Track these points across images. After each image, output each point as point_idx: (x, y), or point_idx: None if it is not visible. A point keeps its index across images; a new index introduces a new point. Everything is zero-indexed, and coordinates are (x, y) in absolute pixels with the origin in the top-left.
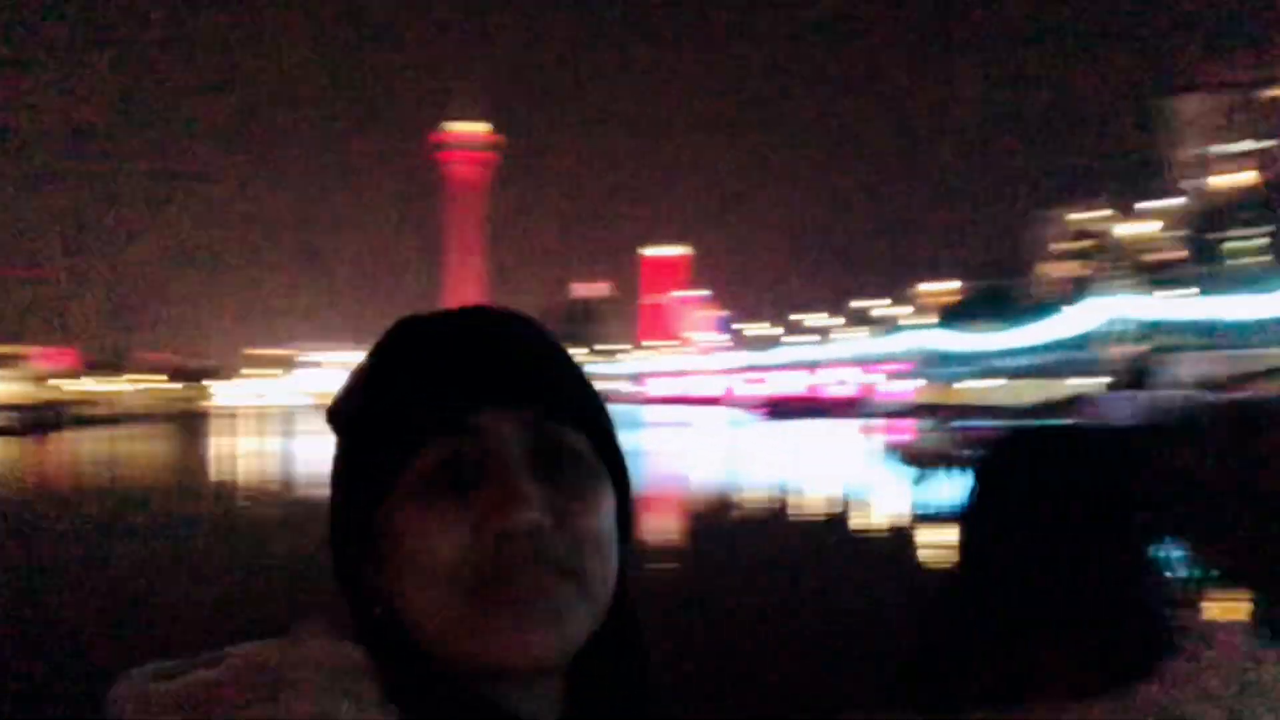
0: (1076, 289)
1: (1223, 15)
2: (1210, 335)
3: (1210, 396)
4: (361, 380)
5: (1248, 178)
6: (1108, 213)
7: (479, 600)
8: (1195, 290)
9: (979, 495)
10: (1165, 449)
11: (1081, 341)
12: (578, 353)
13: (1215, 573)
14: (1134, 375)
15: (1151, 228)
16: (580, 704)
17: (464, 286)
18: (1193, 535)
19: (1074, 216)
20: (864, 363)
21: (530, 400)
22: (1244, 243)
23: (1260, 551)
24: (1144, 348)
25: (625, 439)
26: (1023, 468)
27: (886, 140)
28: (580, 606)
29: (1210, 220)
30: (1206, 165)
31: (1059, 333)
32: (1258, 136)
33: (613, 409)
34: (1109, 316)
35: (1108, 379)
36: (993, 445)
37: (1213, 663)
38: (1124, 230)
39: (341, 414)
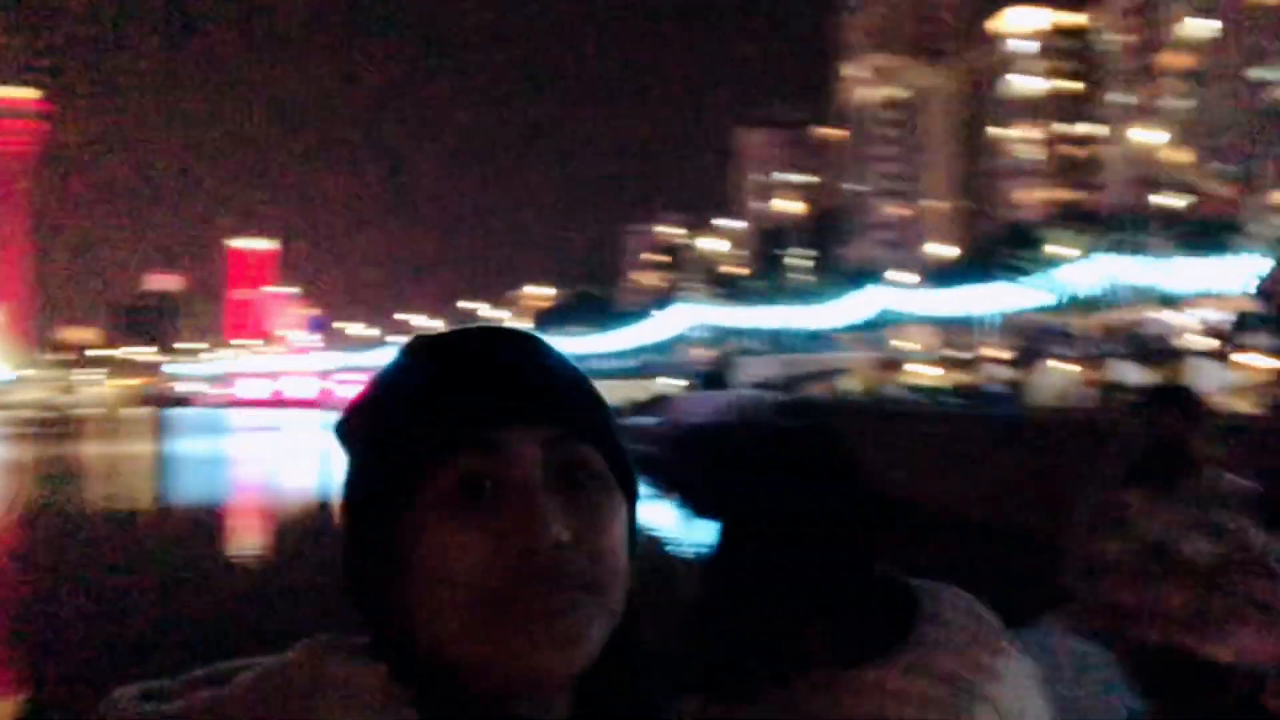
0: (661, 297)
1: (781, 62)
2: (773, 341)
3: (774, 396)
4: (378, 396)
5: (800, 206)
6: (683, 231)
7: (500, 617)
8: (761, 301)
9: (713, 493)
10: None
11: (666, 345)
12: (148, 351)
13: None
14: (711, 377)
15: (724, 244)
16: (587, 709)
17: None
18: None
19: (661, 230)
20: None
21: (551, 419)
22: (800, 261)
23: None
24: (719, 351)
25: (206, 446)
26: (751, 467)
27: (496, 149)
28: (597, 622)
29: (771, 240)
30: (768, 192)
31: (646, 337)
32: (806, 170)
33: (187, 415)
34: (690, 323)
35: (687, 380)
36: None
37: (950, 647)
38: (702, 245)
39: (356, 429)
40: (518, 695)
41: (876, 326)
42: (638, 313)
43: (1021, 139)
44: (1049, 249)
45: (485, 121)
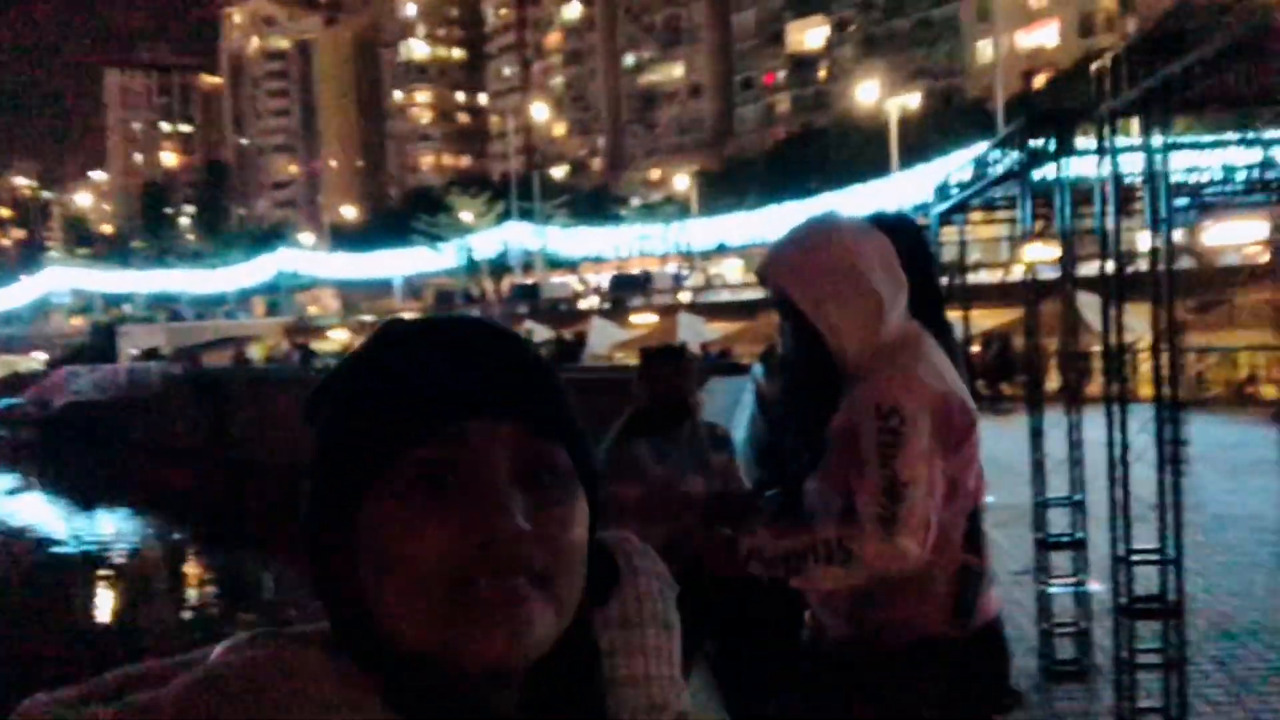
0: (24, 258)
1: None
2: (162, 307)
3: (172, 369)
4: (350, 378)
5: (183, 159)
6: (34, 184)
7: (456, 603)
8: (146, 264)
9: None
10: (151, 421)
11: (26, 314)
12: None
13: None
14: (91, 348)
15: (91, 199)
16: (538, 700)
17: None
18: None
19: (20, 181)
20: None
21: (517, 413)
22: (190, 219)
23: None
24: (95, 320)
25: None
26: None
27: None
28: (549, 614)
29: (154, 196)
30: (148, 143)
31: (6, 304)
32: (189, 121)
33: None
34: (57, 287)
35: (57, 352)
36: None
37: (636, 594)
38: (69, 199)
39: (325, 409)
40: (471, 682)
41: (279, 290)
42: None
43: (420, 104)
44: (453, 214)
45: None
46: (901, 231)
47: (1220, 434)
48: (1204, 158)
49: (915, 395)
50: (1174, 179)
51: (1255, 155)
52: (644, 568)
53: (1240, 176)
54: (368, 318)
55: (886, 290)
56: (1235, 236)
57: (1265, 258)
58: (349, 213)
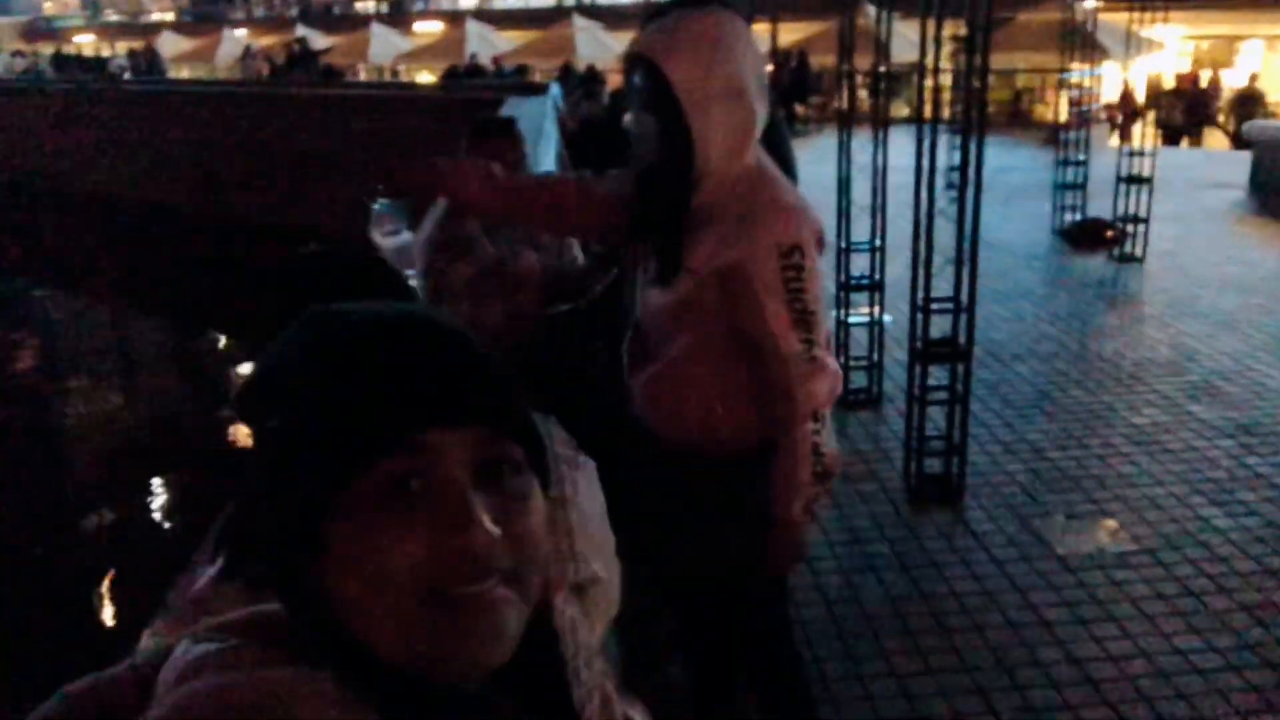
0: None
1: None
2: None
3: None
4: (295, 383)
5: None
6: None
7: (432, 613)
8: None
9: None
10: None
11: None
12: None
13: None
14: None
15: None
16: (504, 684)
17: None
18: None
19: None
20: None
21: (477, 419)
22: None
23: None
24: None
25: None
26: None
27: None
28: (521, 611)
29: None
30: None
31: None
32: None
33: None
34: None
35: None
36: None
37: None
38: None
39: (270, 413)
40: (443, 685)
41: None
42: None
43: None
44: None
45: None
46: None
47: (993, 157)
48: None
49: (807, 227)
50: None
51: None
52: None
53: None
54: (114, 18)
55: (759, 110)
56: None
57: None
58: None
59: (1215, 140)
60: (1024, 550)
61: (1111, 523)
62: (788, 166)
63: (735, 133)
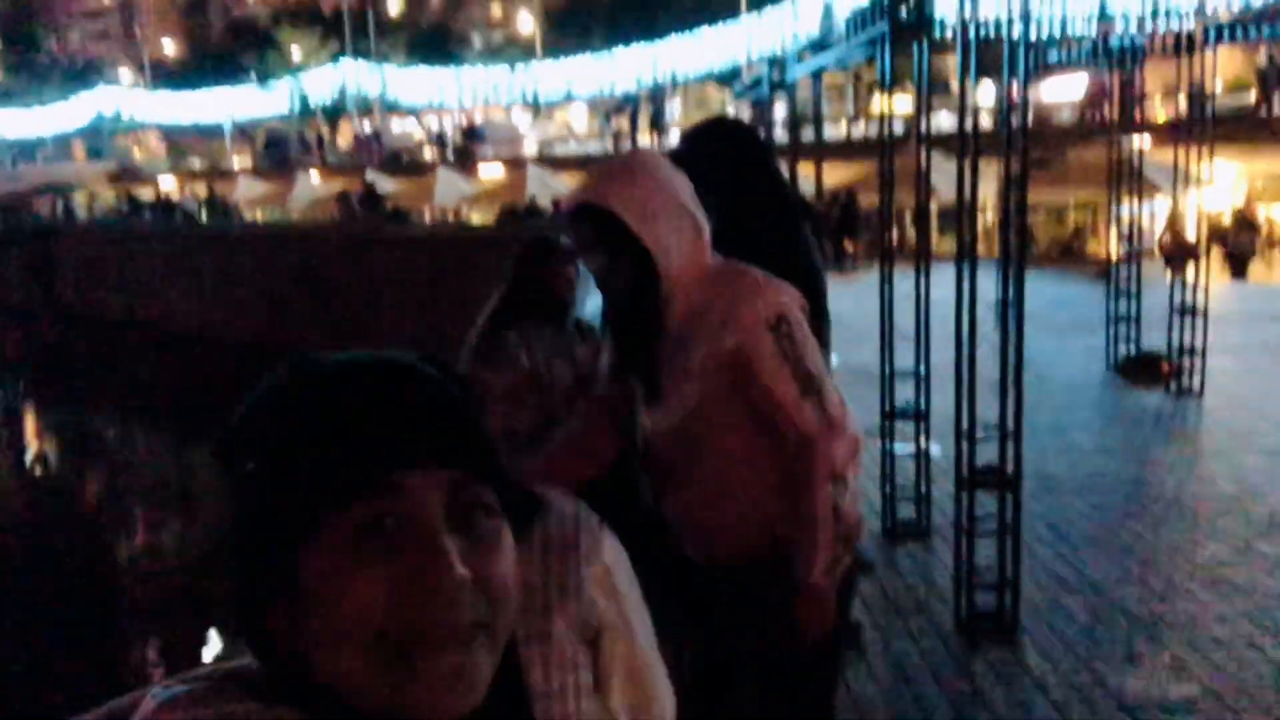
0: None
1: None
2: None
3: None
4: (270, 426)
5: None
6: None
7: (402, 660)
8: None
9: None
10: None
11: None
12: None
13: None
14: None
15: None
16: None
17: None
18: None
19: None
20: None
21: (449, 460)
22: None
23: None
24: None
25: None
26: None
27: None
28: (491, 659)
29: None
30: None
31: None
32: None
33: None
34: None
35: None
36: None
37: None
38: None
39: (245, 456)
40: None
41: (99, 133)
42: None
43: None
44: (282, 50)
45: None
46: (742, 138)
47: (1046, 291)
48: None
49: (787, 297)
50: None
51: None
52: (557, 506)
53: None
54: (197, 163)
55: (700, 217)
56: (1066, 93)
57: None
58: (169, 47)
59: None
60: (1084, 693)
61: (1176, 665)
62: (816, 292)
63: (688, 239)
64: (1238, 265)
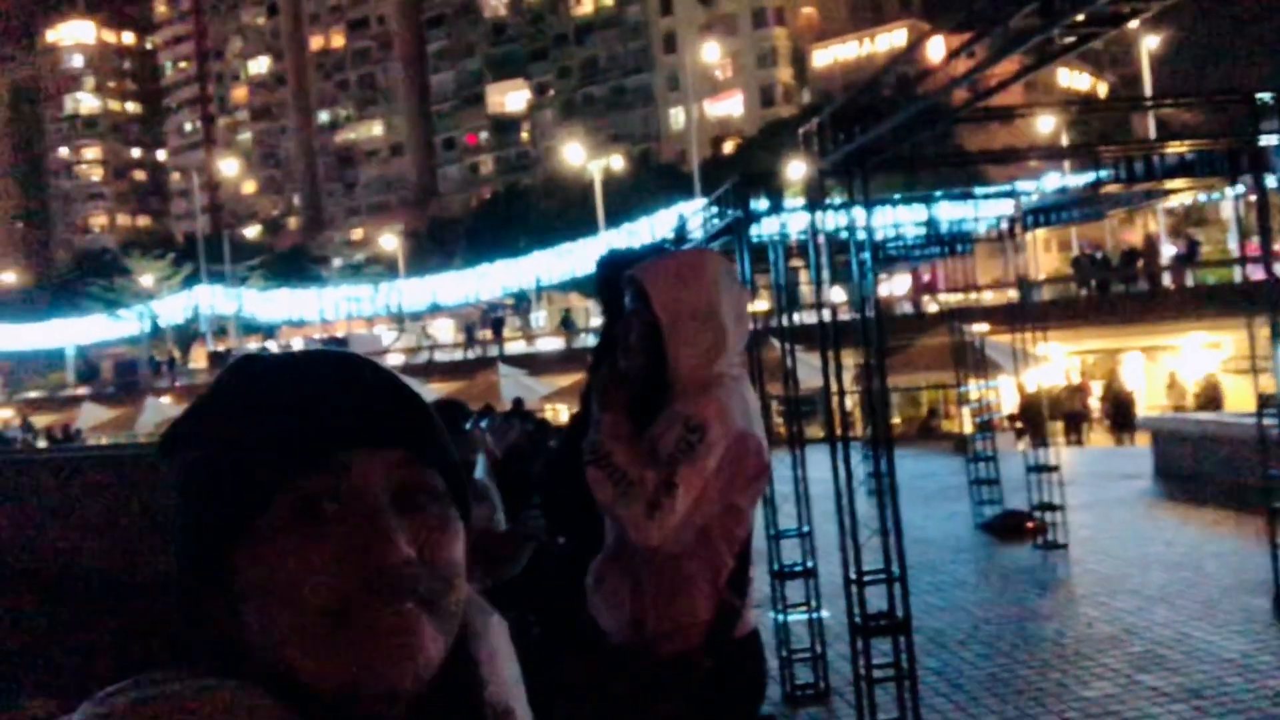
0: None
1: None
2: None
3: None
4: (213, 413)
5: None
6: None
7: (344, 632)
8: None
9: None
10: None
11: None
12: None
13: None
14: None
15: None
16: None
17: None
18: None
19: None
20: None
21: (394, 441)
22: None
23: None
24: None
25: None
26: None
27: None
28: (438, 637)
29: None
30: None
31: None
32: None
33: None
34: None
35: None
36: None
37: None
38: None
39: (188, 447)
40: (359, 708)
41: None
42: None
43: (90, 160)
44: (132, 277)
45: None
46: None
47: (909, 466)
48: (881, 216)
49: (721, 424)
50: (861, 235)
51: (921, 214)
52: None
53: (910, 233)
54: (33, 394)
55: (732, 332)
56: (900, 288)
57: (934, 308)
58: (9, 279)
59: (1098, 439)
60: None
61: None
62: None
63: (704, 346)
64: (1073, 429)
